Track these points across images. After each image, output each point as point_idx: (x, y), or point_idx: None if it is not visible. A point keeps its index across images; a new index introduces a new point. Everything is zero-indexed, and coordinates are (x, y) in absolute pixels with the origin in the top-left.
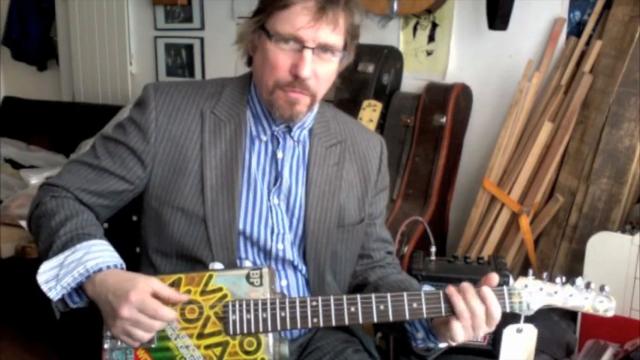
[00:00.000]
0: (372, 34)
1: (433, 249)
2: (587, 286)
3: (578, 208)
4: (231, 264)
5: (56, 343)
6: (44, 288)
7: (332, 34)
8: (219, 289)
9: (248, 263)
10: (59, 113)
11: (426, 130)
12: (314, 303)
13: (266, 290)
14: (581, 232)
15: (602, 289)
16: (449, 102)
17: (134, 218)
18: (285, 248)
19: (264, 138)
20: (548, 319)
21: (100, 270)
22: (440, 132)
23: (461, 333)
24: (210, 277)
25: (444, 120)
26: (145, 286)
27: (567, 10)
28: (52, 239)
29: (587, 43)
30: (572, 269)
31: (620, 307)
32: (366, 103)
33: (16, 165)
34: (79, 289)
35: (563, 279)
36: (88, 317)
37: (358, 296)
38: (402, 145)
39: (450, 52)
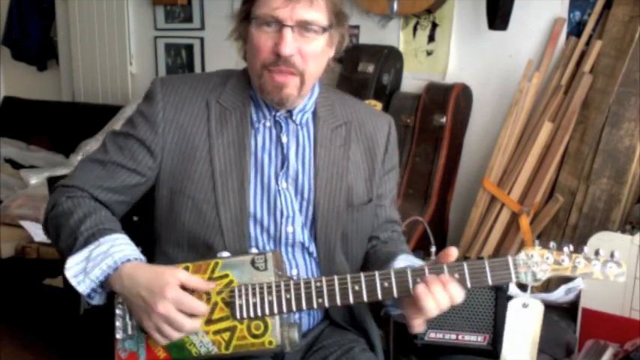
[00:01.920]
0: (372, 34)
1: (433, 249)
2: (597, 253)
3: (578, 208)
4: (242, 249)
5: (56, 342)
6: (73, 282)
7: (310, 10)
8: (226, 276)
9: (254, 250)
10: (59, 113)
11: (426, 130)
12: (318, 283)
13: (271, 274)
14: (581, 232)
15: (612, 255)
16: (449, 102)
17: (135, 219)
18: (295, 231)
19: (267, 124)
20: (548, 318)
21: (128, 261)
22: (440, 132)
23: (425, 317)
24: (217, 264)
25: (444, 120)
26: (174, 279)
27: (567, 10)
28: (75, 236)
29: (587, 43)
30: None
31: (620, 307)
32: (366, 103)
33: (16, 165)
34: (103, 284)
35: (571, 247)
36: (88, 317)
37: (362, 274)
38: (402, 145)
39: (450, 52)
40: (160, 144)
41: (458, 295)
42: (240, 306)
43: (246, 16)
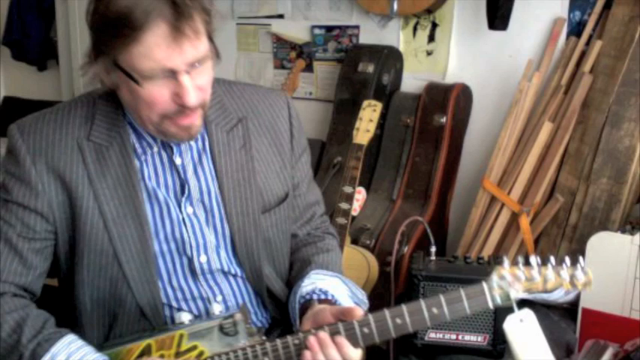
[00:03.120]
0: (372, 34)
1: (433, 249)
2: (562, 261)
3: (578, 208)
4: (154, 296)
5: None
6: None
7: (197, 44)
8: (194, 347)
9: (218, 307)
10: None
11: (426, 130)
12: (296, 341)
13: (243, 337)
14: (581, 232)
15: (577, 262)
16: (449, 102)
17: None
18: (209, 259)
19: (155, 149)
20: (548, 319)
21: None
22: (440, 132)
23: None
24: (182, 336)
25: (444, 120)
26: None
27: (567, 10)
28: (20, 352)
29: (587, 43)
30: None
31: (620, 307)
32: (366, 103)
33: None
34: None
35: (538, 260)
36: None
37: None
38: (402, 145)
39: (450, 52)
40: (45, 203)
41: (350, 353)
42: None
43: (115, 63)
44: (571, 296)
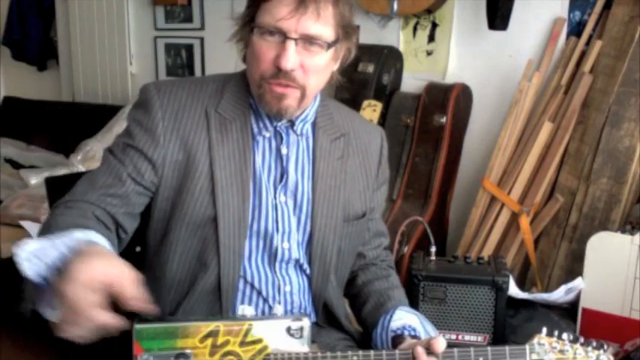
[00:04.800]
0: (372, 34)
1: (433, 249)
2: (588, 344)
3: (578, 208)
4: (234, 267)
5: (57, 343)
6: (24, 266)
7: (316, 24)
8: (259, 340)
9: (279, 309)
10: (59, 113)
11: (426, 130)
12: (354, 358)
13: (305, 342)
14: (581, 232)
15: (603, 347)
16: (449, 102)
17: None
18: (291, 247)
19: (267, 134)
20: (548, 319)
21: (92, 242)
22: (440, 132)
23: None
24: (250, 327)
25: (444, 120)
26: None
27: (567, 10)
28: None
29: (587, 43)
30: (572, 269)
31: (620, 307)
32: (366, 103)
33: (16, 165)
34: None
35: (571, 336)
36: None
37: (397, 352)
38: (402, 145)
39: (450, 52)
40: (161, 156)
41: None
42: None
43: (250, 20)
44: (571, 296)
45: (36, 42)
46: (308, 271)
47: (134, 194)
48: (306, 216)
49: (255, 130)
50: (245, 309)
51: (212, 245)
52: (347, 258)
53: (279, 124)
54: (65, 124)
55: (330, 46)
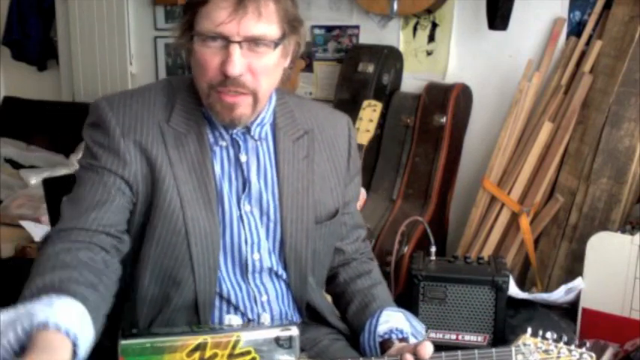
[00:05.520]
0: (372, 34)
1: (433, 249)
2: (570, 341)
3: (578, 208)
4: (210, 283)
5: None
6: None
7: (258, 23)
8: (248, 352)
9: (266, 317)
10: (59, 113)
11: (426, 130)
12: None
13: (294, 352)
14: (581, 232)
15: (584, 345)
16: (449, 102)
17: None
18: (262, 257)
19: (223, 144)
20: (548, 319)
21: (46, 326)
22: (440, 132)
23: None
24: (238, 339)
25: (444, 120)
26: None
27: (567, 10)
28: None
29: (587, 43)
30: (572, 269)
31: (620, 307)
32: (366, 103)
33: (16, 165)
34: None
35: (554, 335)
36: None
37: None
38: (402, 145)
39: (450, 52)
40: (132, 173)
41: None
42: None
43: (189, 27)
44: (571, 296)
45: (36, 42)
46: (285, 277)
47: (122, 208)
48: (275, 223)
49: (212, 140)
50: (232, 319)
51: (186, 262)
52: (324, 258)
53: (235, 131)
54: (65, 124)
55: (277, 44)
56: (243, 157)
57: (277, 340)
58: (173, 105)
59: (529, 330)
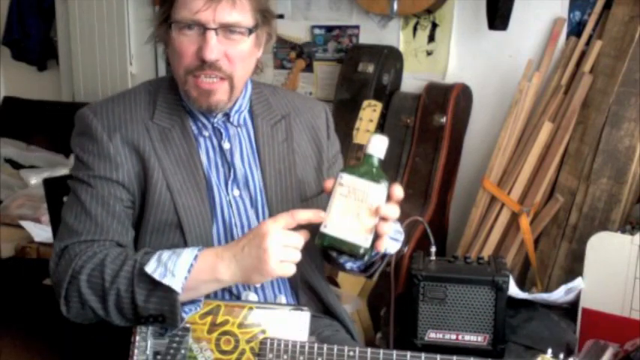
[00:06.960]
0: (372, 34)
1: (433, 249)
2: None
3: (578, 208)
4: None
5: (57, 343)
6: (167, 281)
7: (232, 12)
8: (258, 324)
9: (283, 299)
10: (59, 113)
11: (426, 130)
12: (351, 353)
13: (305, 333)
14: (581, 232)
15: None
16: (449, 102)
17: None
18: None
19: (206, 133)
20: (548, 319)
21: (201, 250)
22: (440, 132)
23: None
24: (250, 309)
25: (444, 120)
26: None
27: (567, 10)
28: (129, 260)
29: (587, 43)
30: (572, 269)
31: (620, 307)
32: (366, 103)
33: (16, 165)
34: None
35: (561, 356)
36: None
37: (394, 352)
38: (402, 145)
39: (450, 52)
40: (125, 174)
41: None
42: None
43: (166, 18)
44: (571, 296)
45: (36, 42)
46: None
47: (124, 215)
48: (262, 205)
49: (195, 131)
50: (250, 295)
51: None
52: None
53: (216, 120)
54: (65, 124)
55: (251, 31)
56: (226, 145)
57: (289, 319)
58: (155, 103)
59: (549, 351)
